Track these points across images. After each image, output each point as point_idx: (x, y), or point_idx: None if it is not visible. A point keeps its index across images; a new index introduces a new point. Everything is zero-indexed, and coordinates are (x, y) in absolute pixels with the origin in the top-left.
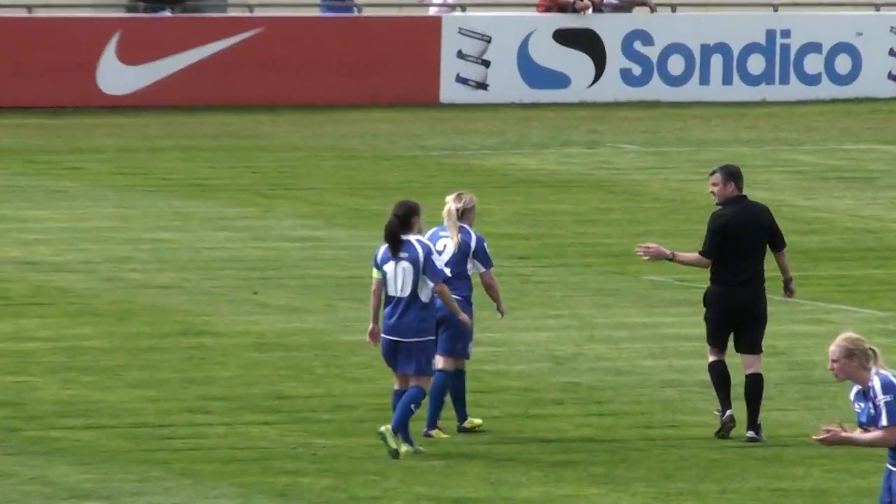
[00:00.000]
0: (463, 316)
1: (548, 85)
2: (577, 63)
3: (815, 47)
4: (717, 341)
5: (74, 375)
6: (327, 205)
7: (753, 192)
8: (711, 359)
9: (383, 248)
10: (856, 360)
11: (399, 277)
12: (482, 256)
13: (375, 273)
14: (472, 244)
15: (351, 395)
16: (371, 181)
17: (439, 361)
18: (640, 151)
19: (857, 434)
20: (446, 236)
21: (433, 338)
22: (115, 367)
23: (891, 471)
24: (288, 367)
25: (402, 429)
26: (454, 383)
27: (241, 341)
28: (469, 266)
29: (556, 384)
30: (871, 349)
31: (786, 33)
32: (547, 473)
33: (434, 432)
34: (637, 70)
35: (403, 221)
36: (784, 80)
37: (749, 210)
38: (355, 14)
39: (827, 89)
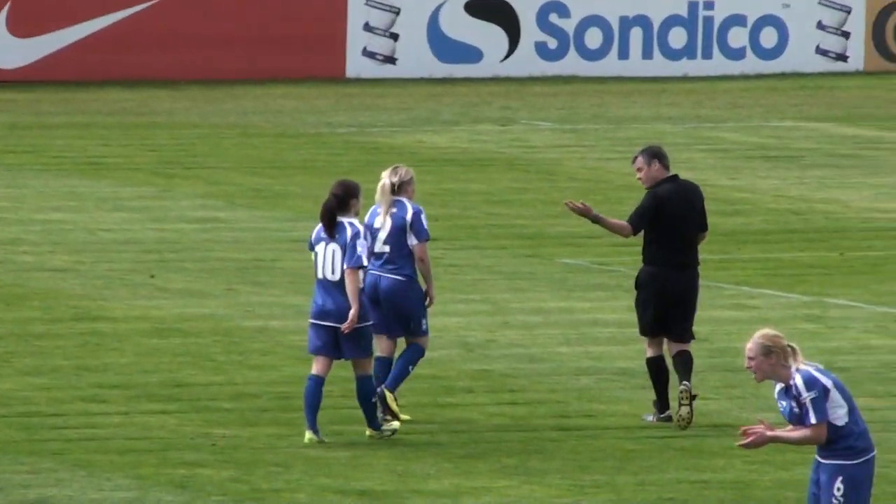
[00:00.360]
0: (353, 313)
1: (459, 59)
2: (489, 36)
3: (739, 20)
4: (652, 330)
5: None
6: (228, 184)
7: (687, 173)
8: (650, 353)
9: (317, 229)
10: (773, 357)
11: (329, 260)
12: (417, 228)
13: (313, 255)
14: (408, 217)
15: (252, 382)
16: (274, 160)
17: (383, 347)
18: (555, 129)
19: (784, 433)
20: (385, 211)
21: (369, 322)
22: (5, 353)
23: (819, 462)
24: (187, 354)
25: (376, 422)
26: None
27: (138, 327)
28: (410, 241)
29: (467, 371)
30: (789, 346)
31: (709, 5)
32: (457, 465)
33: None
34: (553, 43)
35: (342, 202)
36: (707, 54)
37: (685, 189)
38: None
39: (752, 64)
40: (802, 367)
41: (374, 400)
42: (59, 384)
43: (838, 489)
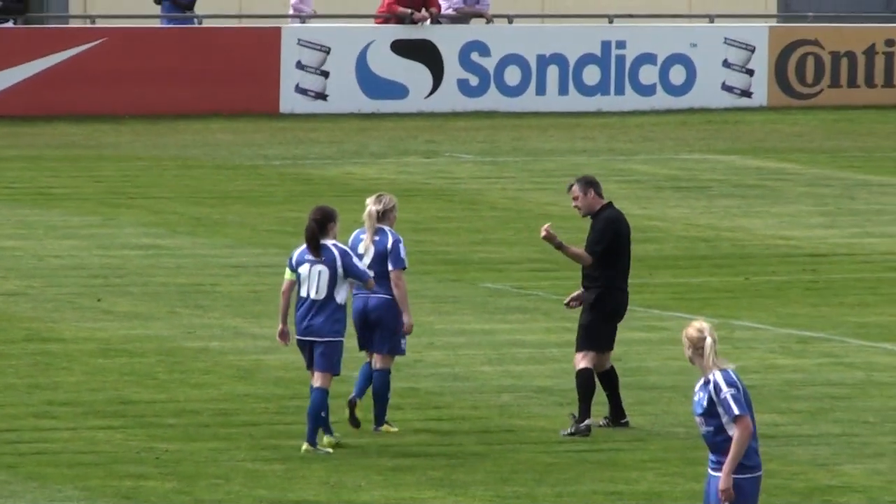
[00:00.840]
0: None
1: (386, 95)
2: (414, 74)
3: (649, 58)
4: (610, 345)
5: None
6: (170, 213)
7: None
8: (587, 365)
9: (299, 251)
10: (698, 349)
11: (314, 280)
12: (395, 256)
13: (289, 274)
14: (389, 245)
15: (194, 399)
16: (213, 190)
17: (377, 361)
18: (477, 161)
19: (729, 460)
20: (367, 236)
21: (343, 339)
22: None
23: (710, 476)
24: (132, 373)
25: (314, 438)
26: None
27: (86, 347)
28: (389, 267)
29: (395, 389)
30: (713, 336)
31: (621, 44)
32: (386, 477)
33: (383, 428)
34: (474, 81)
35: (321, 226)
36: (619, 90)
37: (623, 215)
38: (196, 25)
39: (662, 100)
40: (724, 366)
41: (323, 414)
42: (11, 401)
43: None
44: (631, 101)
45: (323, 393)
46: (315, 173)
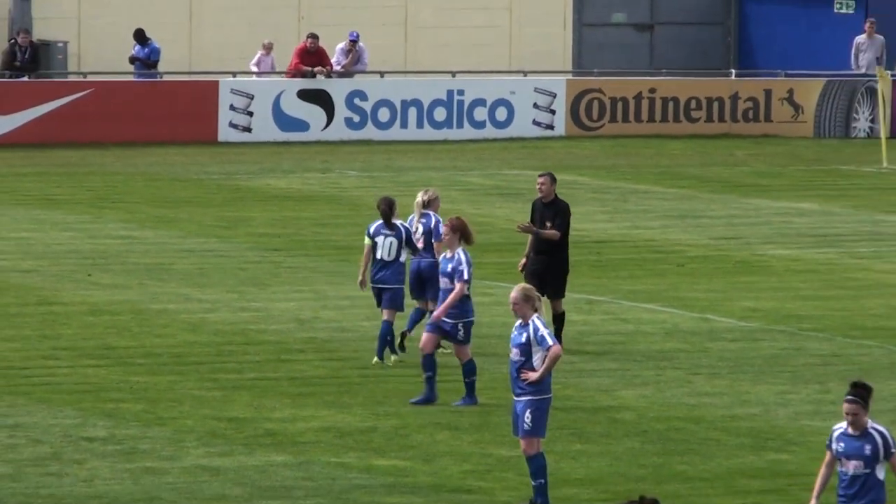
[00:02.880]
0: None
1: (293, 129)
2: (314, 113)
3: (481, 102)
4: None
5: None
6: (140, 213)
7: (441, 206)
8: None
9: (375, 225)
10: (529, 302)
11: (386, 246)
12: (436, 232)
13: (367, 241)
14: (432, 224)
15: (157, 346)
16: (170, 197)
17: (426, 305)
18: (359, 175)
19: (543, 369)
20: (419, 219)
21: (403, 287)
22: None
23: (516, 401)
24: (113, 327)
25: (381, 355)
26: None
27: (80, 308)
28: (433, 241)
29: (300, 338)
30: (538, 296)
31: (461, 92)
32: (294, 400)
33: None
34: (356, 118)
35: (391, 210)
36: (459, 125)
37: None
38: (158, 79)
39: (490, 132)
40: (539, 317)
41: (389, 339)
42: (26, 347)
43: (528, 417)
44: (468, 132)
45: (389, 324)
46: (243, 184)
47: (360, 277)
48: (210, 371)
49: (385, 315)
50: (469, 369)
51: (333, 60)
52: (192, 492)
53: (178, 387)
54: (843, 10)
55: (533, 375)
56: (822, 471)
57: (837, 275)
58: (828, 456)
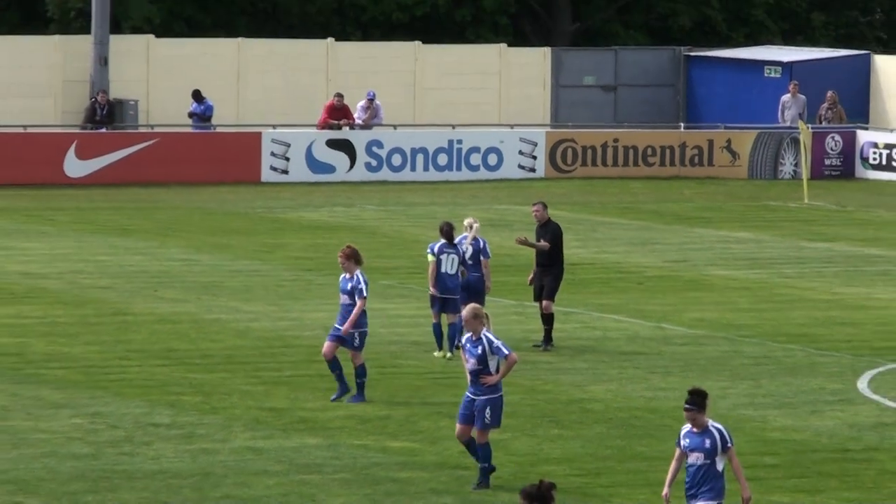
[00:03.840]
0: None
1: (323, 171)
2: (339, 159)
3: (476, 149)
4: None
5: (52, 338)
6: (197, 240)
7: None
8: (553, 311)
9: (438, 245)
10: (478, 319)
11: (450, 262)
12: (484, 252)
13: (431, 258)
14: (481, 245)
15: (211, 349)
16: (222, 227)
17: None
18: (376, 209)
19: (501, 373)
20: (469, 242)
21: (460, 297)
22: (75, 333)
23: (473, 398)
24: (175, 333)
25: (452, 345)
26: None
27: (148, 318)
28: (482, 258)
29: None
30: (486, 314)
31: (459, 141)
32: (324, 393)
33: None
34: (374, 163)
35: (452, 230)
36: (458, 168)
37: (559, 226)
38: (212, 130)
39: (484, 174)
40: (489, 331)
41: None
42: (104, 349)
43: (488, 412)
44: (465, 175)
45: (452, 326)
46: (281, 217)
47: (431, 290)
48: (254, 369)
49: (450, 319)
50: (361, 372)
51: (355, 115)
52: (239, 468)
53: (228, 382)
54: (772, 74)
55: (491, 379)
56: (673, 465)
57: (767, 291)
58: (677, 452)
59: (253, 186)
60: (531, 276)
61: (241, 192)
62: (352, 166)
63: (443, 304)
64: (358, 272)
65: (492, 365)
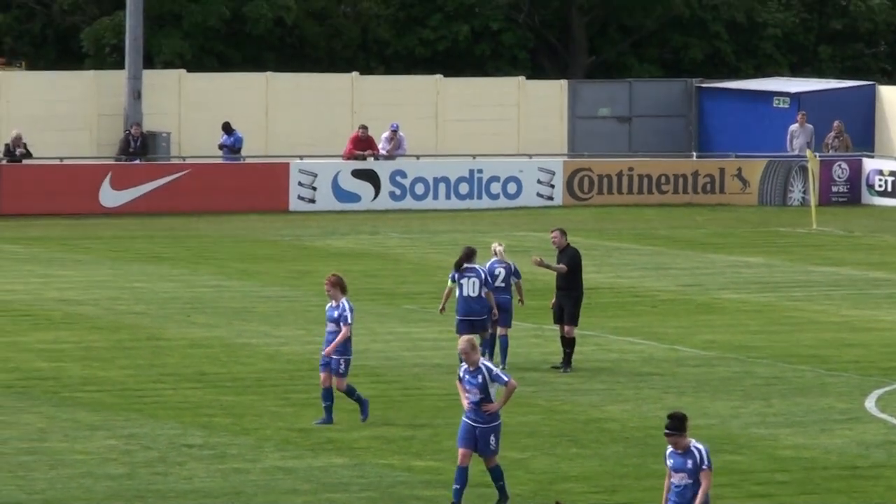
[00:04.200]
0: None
1: (349, 200)
2: (364, 188)
3: (496, 178)
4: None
5: (88, 363)
6: (227, 267)
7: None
8: (575, 335)
9: (458, 272)
10: (476, 350)
11: (470, 287)
12: (515, 273)
13: (450, 283)
14: (512, 268)
15: (242, 372)
16: (252, 254)
17: (503, 331)
18: (400, 237)
19: (500, 401)
20: (500, 265)
21: (487, 316)
22: (111, 357)
23: (474, 425)
24: (206, 357)
25: (504, 358)
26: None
27: (181, 343)
28: (512, 279)
29: (354, 365)
30: (479, 346)
31: (480, 171)
32: (350, 415)
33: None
34: (398, 192)
35: (469, 257)
36: (479, 196)
37: (578, 251)
38: (241, 161)
39: (503, 202)
40: (483, 360)
41: (490, 354)
42: (139, 373)
43: (492, 440)
44: (486, 203)
45: (487, 342)
46: (309, 244)
47: (441, 308)
48: (284, 392)
49: (483, 335)
50: (347, 393)
51: (379, 146)
52: (269, 487)
53: (258, 404)
54: (781, 105)
55: (493, 407)
56: (665, 482)
57: (777, 314)
58: (667, 471)
59: (281, 215)
60: (553, 300)
61: (269, 220)
62: (376, 195)
63: (470, 326)
64: (344, 300)
65: (492, 392)
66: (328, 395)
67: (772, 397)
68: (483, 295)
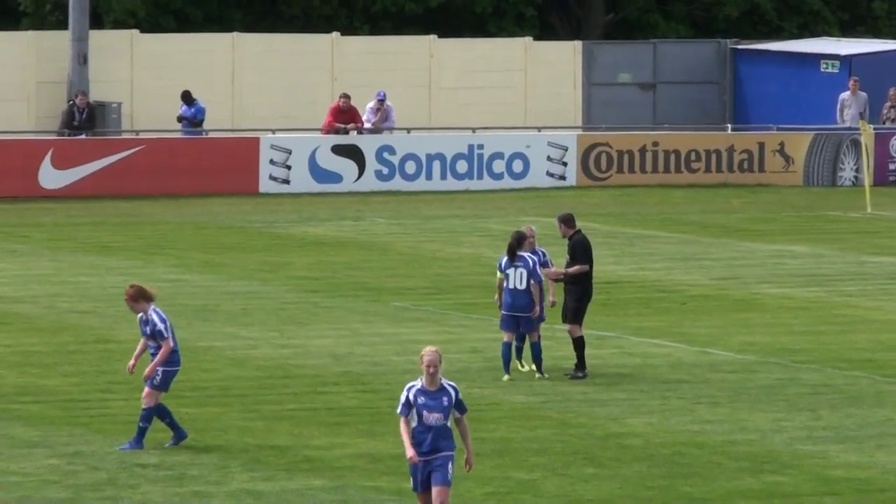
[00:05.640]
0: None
1: (328, 181)
2: (346, 166)
3: (499, 155)
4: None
5: (26, 369)
6: (187, 258)
7: (461, 250)
8: (582, 333)
9: (505, 259)
10: (442, 365)
11: (517, 278)
12: (545, 263)
13: (499, 275)
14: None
15: (205, 380)
16: (216, 243)
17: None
18: (388, 223)
19: (469, 443)
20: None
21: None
22: (52, 363)
23: (423, 462)
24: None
25: (540, 367)
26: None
27: (133, 347)
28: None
29: (335, 372)
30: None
31: (480, 146)
32: (331, 429)
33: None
34: (385, 171)
35: (519, 244)
36: (480, 176)
37: (587, 238)
38: (204, 136)
39: (507, 182)
40: (447, 381)
41: (540, 357)
42: (85, 381)
43: (450, 468)
44: (487, 183)
45: (537, 345)
46: (282, 232)
47: (498, 302)
48: (253, 402)
49: (533, 338)
50: (146, 416)
51: (364, 118)
52: None
53: (223, 417)
54: (829, 70)
55: (471, 457)
56: None
57: (826, 311)
58: None
59: (250, 198)
60: (551, 297)
61: (236, 204)
62: (360, 175)
63: (516, 324)
64: (152, 310)
65: (448, 420)
66: (162, 411)
67: (820, 408)
68: (531, 288)
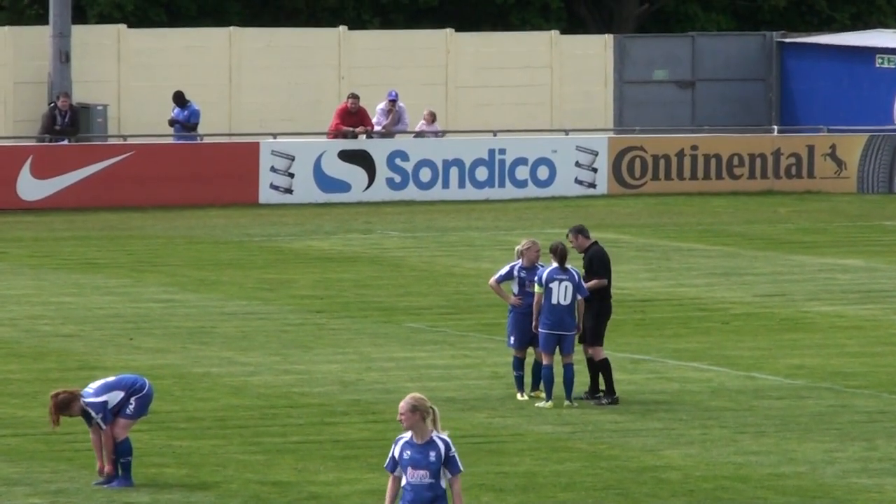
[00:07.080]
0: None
1: (335, 190)
2: (355, 174)
3: (523, 161)
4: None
5: (4, 399)
6: (181, 276)
7: (480, 265)
8: (605, 356)
9: (547, 272)
10: (418, 413)
11: (562, 292)
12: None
13: (538, 289)
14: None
15: (200, 409)
16: (211, 259)
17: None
18: (400, 236)
19: (459, 500)
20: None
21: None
22: (33, 392)
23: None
24: (155, 391)
25: (570, 394)
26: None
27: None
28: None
29: (344, 401)
30: (431, 408)
31: (502, 151)
32: (338, 463)
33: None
34: (398, 179)
35: (565, 256)
36: (501, 184)
37: (605, 250)
38: (198, 141)
39: (532, 191)
40: (440, 434)
41: (572, 382)
42: None
43: None
44: (510, 192)
45: (570, 366)
46: (284, 246)
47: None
48: (253, 434)
49: (566, 360)
50: (125, 449)
51: (374, 121)
52: None
53: (221, 451)
54: (885, 65)
55: None
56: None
57: (882, 331)
58: None
59: (249, 209)
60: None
61: (234, 216)
62: (370, 183)
63: (557, 343)
64: (82, 404)
65: (442, 481)
66: (122, 447)
67: (876, 437)
68: (576, 304)
